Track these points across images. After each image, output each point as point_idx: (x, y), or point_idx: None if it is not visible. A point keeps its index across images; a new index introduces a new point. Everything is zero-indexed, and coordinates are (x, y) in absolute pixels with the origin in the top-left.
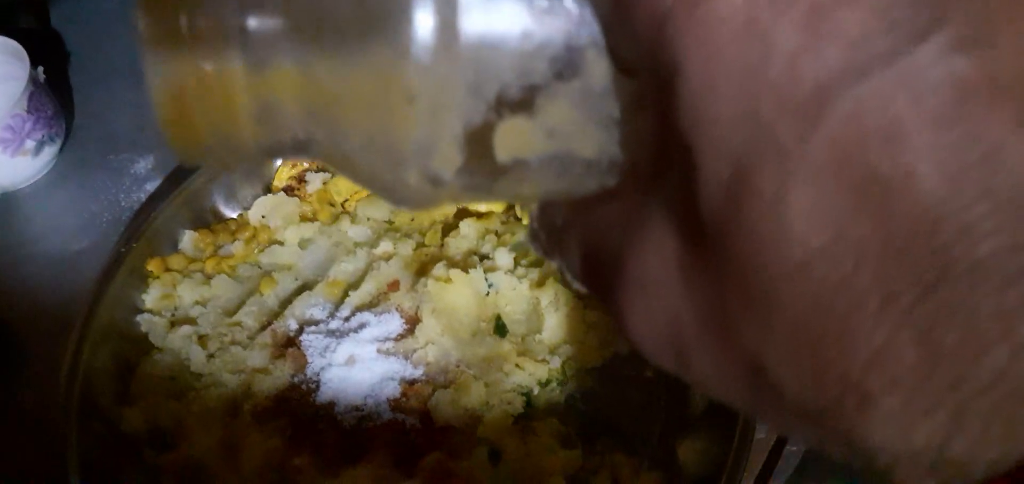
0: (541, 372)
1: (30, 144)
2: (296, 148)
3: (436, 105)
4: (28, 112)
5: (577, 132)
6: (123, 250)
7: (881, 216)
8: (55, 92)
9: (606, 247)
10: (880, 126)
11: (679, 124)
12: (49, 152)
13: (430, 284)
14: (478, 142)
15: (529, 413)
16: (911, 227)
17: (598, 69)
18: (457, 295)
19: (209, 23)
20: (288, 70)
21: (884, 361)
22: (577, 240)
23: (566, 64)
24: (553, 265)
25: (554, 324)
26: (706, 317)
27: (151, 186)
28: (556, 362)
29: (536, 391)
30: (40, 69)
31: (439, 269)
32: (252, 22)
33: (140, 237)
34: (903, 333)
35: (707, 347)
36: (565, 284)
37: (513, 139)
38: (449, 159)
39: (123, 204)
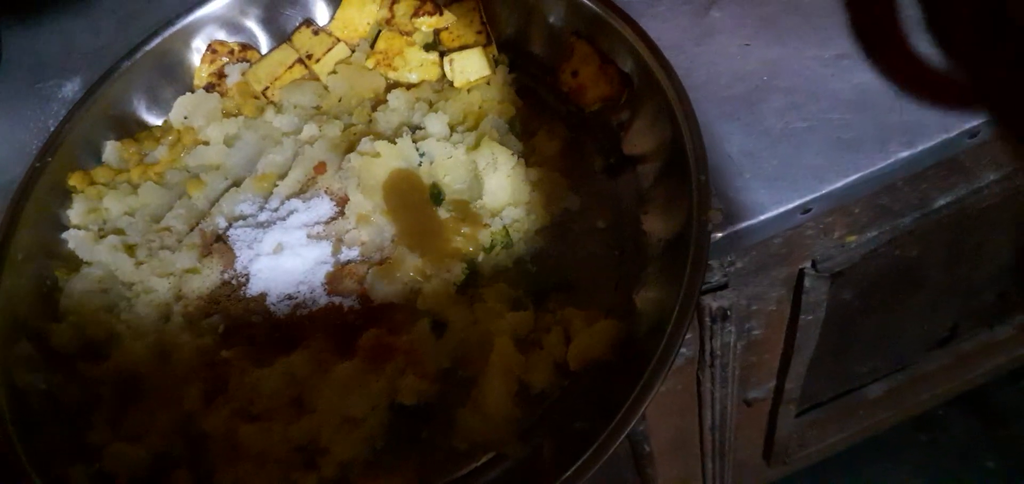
0: (484, 237)
1: None
2: None
3: None
4: None
5: None
6: (38, 165)
7: None
8: None
9: None
10: None
11: None
12: None
13: (354, 160)
14: None
15: (476, 281)
16: None
17: None
18: (386, 168)
19: None
20: None
21: None
22: None
23: None
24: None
25: (494, 186)
26: None
27: None
28: (498, 225)
29: (480, 258)
30: None
31: (365, 144)
32: None
33: (57, 150)
34: None
35: None
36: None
37: None
38: None
39: (53, 129)
